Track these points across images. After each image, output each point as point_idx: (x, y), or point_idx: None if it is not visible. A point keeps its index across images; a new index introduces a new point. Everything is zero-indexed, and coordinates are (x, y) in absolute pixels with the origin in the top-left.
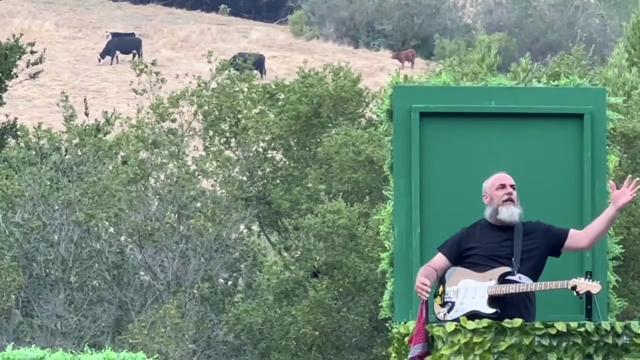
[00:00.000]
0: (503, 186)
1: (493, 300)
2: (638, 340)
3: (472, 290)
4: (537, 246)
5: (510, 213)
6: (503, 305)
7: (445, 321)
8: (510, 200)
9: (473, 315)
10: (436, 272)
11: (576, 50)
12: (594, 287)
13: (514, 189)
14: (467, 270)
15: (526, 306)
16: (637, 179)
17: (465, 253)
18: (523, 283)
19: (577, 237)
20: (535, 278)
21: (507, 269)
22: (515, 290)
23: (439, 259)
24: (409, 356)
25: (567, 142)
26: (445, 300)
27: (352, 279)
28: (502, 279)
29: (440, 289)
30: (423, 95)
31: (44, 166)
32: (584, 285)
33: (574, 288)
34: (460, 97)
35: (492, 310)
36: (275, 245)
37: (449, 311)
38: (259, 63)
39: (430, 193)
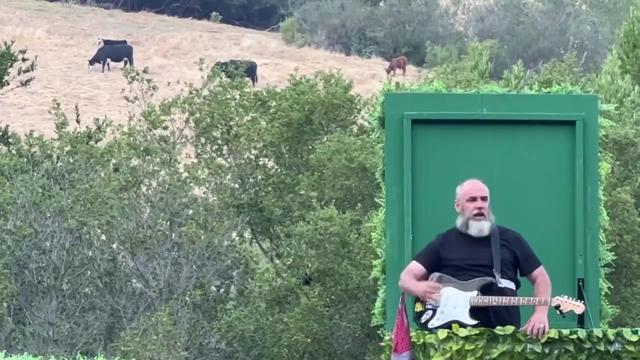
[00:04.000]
0: (474, 199)
1: (475, 311)
2: (630, 347)
3: (453, 299)
4: (512, 257)
5: (480, 228)
6: (485, 316)
7: (427, 328)
8: (481, 214)
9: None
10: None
11: (568, 58)
12: (578, 307)
13: (484, 200)
14: (451, 278)
15: (509, 316)
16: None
17: (443, 263)
18: (506, 296)
19: (532, 281)
20: (516, 284)
21: (489, 279)
22: (498, 302)
23: (417, 268)
24: None
25: (559, 149)
26: (427, 307)
27: (344, 286)
28: (485, 290)
29: None
30: (415, 102)
31: (35, 173)
32: (567, 304)
33: (557, 307)
34: (452, 104)
35: (474, 322)
36: (267, 252)
37: (430, 318)
38: (250, 70)
39: (422, 200)
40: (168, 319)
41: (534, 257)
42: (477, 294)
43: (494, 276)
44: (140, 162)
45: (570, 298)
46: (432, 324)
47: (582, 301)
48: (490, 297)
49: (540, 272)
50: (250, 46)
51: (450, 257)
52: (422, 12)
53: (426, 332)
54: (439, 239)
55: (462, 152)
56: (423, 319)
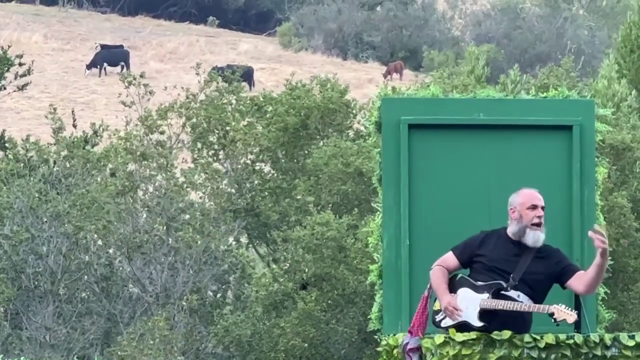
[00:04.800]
0: (535, 207)
1: (484, 313)
2: (627, 352)
3: (467, 301)
4: (544, 272)
5: (536, 239)
6: (493, 319)
7: (440, 327)
8: (539, 224)
9: (463, 326)
10: (448, 273)
11: (565, 62)
12: (570, 316)
13: (543, 210)
14: (468, 279)
15: (516, 323)
16: (598, 228)
17: (475, 258)
18: (513, 301)
19: (577, 281)
20: (535, 299)
21: (502, 283)
22: (505, 307)
23: (451, 260)
24: (411, 345)
25: (556, 153)
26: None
27: (341, 290)
28: (496, 294)
29: None
30: (411, 107)
31: (32, 178)
32: (561, 313)
33: (551, 315)
34: (449, 109)
35: (480, 324)
36: (263, 257)
37: (444, 317)
38: (247, 75)
39: (419, 205)
40: (165, 323)
41: (573, 266)
42: (488, 297)
43: (507, 282)
44: (137, 167)
45: (567, 308)
46: (445, 323)
47: (576, 311)
48: (499, 301)
49: (578, 275)
50: (247, 51)
51: (482, 254)
52: (419, 17)
53: (423, 337)
54: (481, 236)
55: (459, 157)
56: (438, 318)
